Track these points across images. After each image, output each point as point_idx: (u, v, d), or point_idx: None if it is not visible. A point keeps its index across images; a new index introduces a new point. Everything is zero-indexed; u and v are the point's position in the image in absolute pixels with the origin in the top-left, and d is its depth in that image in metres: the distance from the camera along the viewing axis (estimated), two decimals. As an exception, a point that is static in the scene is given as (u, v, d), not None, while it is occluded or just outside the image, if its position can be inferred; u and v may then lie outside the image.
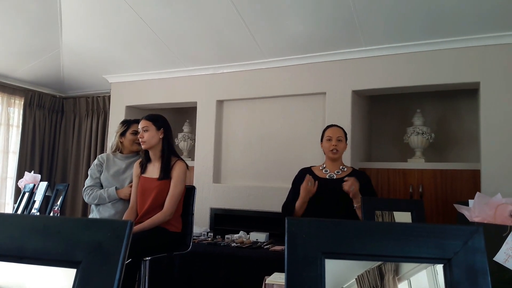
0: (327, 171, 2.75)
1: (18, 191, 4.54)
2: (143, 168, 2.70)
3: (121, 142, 2.98)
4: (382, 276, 0.69)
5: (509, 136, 3.01)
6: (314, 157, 3.46)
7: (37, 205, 3.68)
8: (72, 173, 5.14)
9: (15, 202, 4.58)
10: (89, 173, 2.93)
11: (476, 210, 1.44)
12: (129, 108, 4.61)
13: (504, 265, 1.25)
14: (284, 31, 3.39)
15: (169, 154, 2.66)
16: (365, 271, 0.69)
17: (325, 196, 2.60)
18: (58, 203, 3.67)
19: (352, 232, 0.70)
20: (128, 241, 0.66)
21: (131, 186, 2.77)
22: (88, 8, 3.57)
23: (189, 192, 2.78)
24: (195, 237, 3.48)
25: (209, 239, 3.55)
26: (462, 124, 3.67)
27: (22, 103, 4.91)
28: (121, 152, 2.97)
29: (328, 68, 3.62)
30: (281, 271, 1.95)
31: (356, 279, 0.69)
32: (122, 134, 2.97)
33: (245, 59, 3.88)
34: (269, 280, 1.89)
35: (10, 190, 4.81)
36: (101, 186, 2.88)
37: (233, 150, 4.08)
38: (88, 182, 2.88)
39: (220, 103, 4.16)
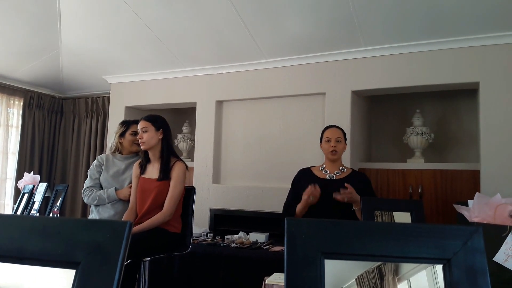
0: (326, 171, 2.74)
1: (17, 192, 4.54)
2: (143, 168, 2.70)
3: (120, 142, 2.97)
4: (382, 276, 0.69)
5: (509, 136, 3.01)
6: (314, 157, 3.46)
7: (36, 206, 3.68)
8: (72, 174, 5.14)
9: (14, 203, 4.58)
10: (88, 173, 2.93)
11: (476, 210, 1.44)
12: (129, 109, 4.61)
13: (503, 265, 1.26)
14: (284, 31, 3.39)
15: (169, 154, 2.66)
16: (365, 271, 0.69)
17: (325, 197, 2.60)
18: (58, 204, 3.67)
19: (352, 233, 0.70)
20: (128, 241, 0.66)
21: (130, 187, 2.77)
22: (87, 9, 3.57)
23: (188, 193, 2.78)
24: (194, 238, 3.48)
25: (209, 239, 3.55)
26: (462, 124, 3.67)
27: (22, 103, 4.90)
28: (120, 153, 2.97)
29: (328, 68, 3.62)
30: (281, 271, 1.95)
31: (355, 279, 0.69)
32: (122, 135, 2.97)
33: (245, 60, 3.88)
34: (268, 280, 1.89)
35: (9, 191, 4.81)
36: (101, 187, 2.87)
37: (232, 150, 4.08)
38: (87, 183, 2.88)
39: (219, 103, 4.16)
